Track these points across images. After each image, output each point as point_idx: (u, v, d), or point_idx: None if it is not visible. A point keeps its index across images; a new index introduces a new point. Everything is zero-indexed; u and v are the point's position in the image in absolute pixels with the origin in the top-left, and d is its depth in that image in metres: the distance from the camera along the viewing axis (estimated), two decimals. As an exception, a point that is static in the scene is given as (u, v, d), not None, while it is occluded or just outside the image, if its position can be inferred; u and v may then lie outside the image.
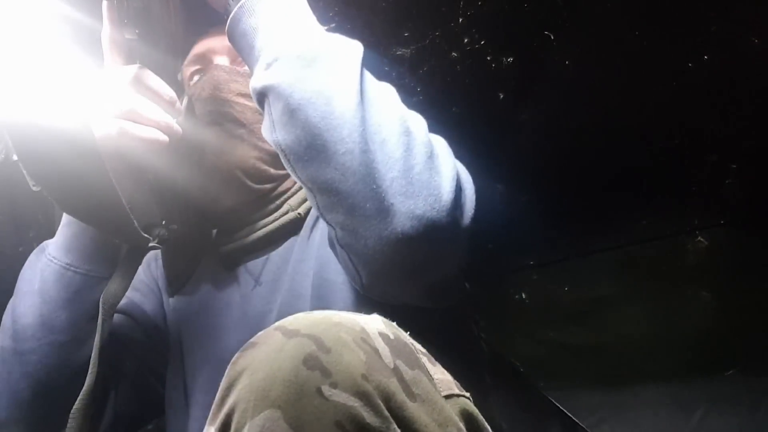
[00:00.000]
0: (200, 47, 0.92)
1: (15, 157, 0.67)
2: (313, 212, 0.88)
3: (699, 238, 1.63)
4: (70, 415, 0.72)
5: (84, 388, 0.72)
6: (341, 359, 0.46)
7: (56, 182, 0.68)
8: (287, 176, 0.89)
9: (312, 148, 0.64)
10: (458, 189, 0.67)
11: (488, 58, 1.43)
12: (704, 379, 1.59)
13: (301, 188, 0.90)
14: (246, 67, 0.86)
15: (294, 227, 0.86)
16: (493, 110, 1.54)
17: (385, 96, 0.69)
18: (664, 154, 1.54)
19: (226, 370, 0.50)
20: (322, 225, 0.83)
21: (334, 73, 0.66)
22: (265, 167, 0.86)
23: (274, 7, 0.72)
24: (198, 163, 0.84)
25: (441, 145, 0.71)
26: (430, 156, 0.66)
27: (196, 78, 0.90)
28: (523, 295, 1.88)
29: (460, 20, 1.36)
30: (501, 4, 1.34)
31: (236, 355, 0.50)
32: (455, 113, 1.54)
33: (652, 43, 1.38)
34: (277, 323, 0.51)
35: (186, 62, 0.93)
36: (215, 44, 0.92)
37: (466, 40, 1.40)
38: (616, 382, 1.68)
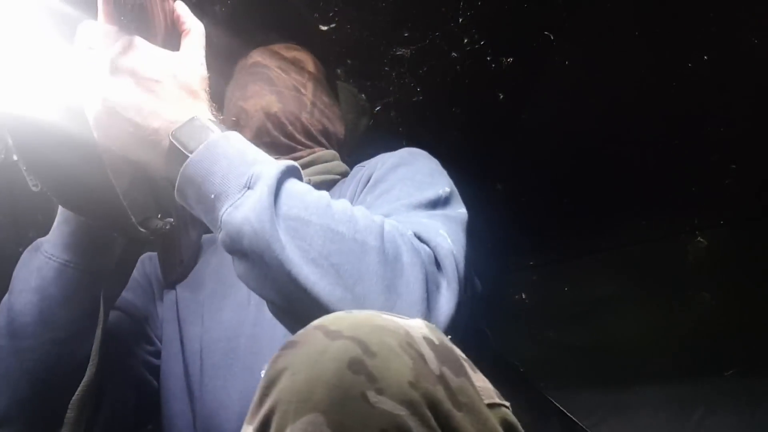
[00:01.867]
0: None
1: (15, 157, 0.67)
2: (333, 192, 0.93)
3: (699, 238, 1.63)
4: (69, 406, 0.72)
5: (84, 379, 0.72)
6: (388, 365, 0.44)
7: (54, 177, 0.68)
8: (299, 148, 1.00)
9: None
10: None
11: (488, 58, 1.43)
12: (704, 379, 1.58)
13: (313, 164, 0.99)
14: (294, 52, 1.07)
15: None
16: (493, 110, 1.54)
17: (329, 251, 0.60)
18: (664, 154, 1.54)
19: (266, 369, 0.47)
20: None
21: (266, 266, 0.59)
22: (284, 121, 0.99)
23: (199, 193, 0.65)
24: None
25: (408, 267, 0.62)
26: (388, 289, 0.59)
27: None
28: (523, 295, 1.87)
29: (460, 20, 1.37)
30: (501, 4, 1.34)
31: (276, 354, 0.48)
32: (455, 113, 1.54)
33: (652, 43, 1.38)
34: (316, 322, 0.48)
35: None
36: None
37: (466, 40, 1.40)
38: (616, 382, 1.67)
